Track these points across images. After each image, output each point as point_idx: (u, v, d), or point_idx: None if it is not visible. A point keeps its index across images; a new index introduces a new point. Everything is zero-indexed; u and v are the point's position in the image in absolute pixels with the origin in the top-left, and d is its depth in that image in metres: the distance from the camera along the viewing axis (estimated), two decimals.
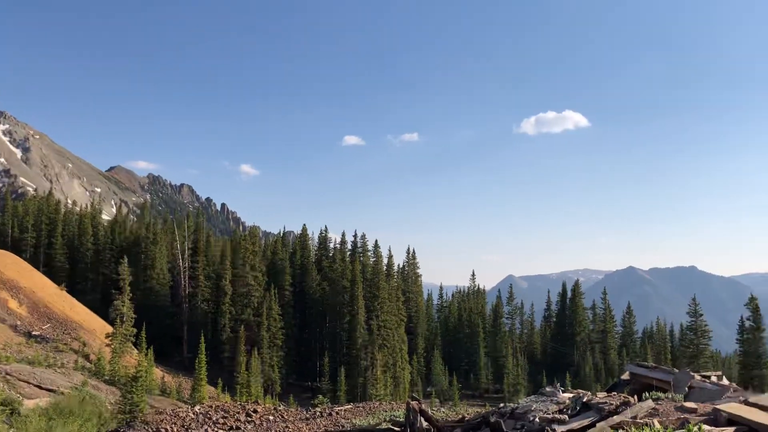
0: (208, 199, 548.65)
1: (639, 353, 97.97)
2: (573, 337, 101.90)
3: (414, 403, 15.31)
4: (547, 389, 16.09)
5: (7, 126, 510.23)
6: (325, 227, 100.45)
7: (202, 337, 54.00)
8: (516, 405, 15.34)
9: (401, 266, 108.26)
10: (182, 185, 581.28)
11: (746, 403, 14.49)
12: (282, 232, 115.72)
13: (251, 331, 74.48)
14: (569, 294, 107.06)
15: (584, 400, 14.14)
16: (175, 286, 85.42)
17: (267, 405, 38.90)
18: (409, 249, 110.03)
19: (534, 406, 14.50)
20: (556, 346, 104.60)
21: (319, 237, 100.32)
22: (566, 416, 13.50)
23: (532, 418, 13.47)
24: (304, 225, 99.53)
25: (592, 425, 12.95)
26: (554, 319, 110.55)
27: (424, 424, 14.97)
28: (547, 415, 13.44)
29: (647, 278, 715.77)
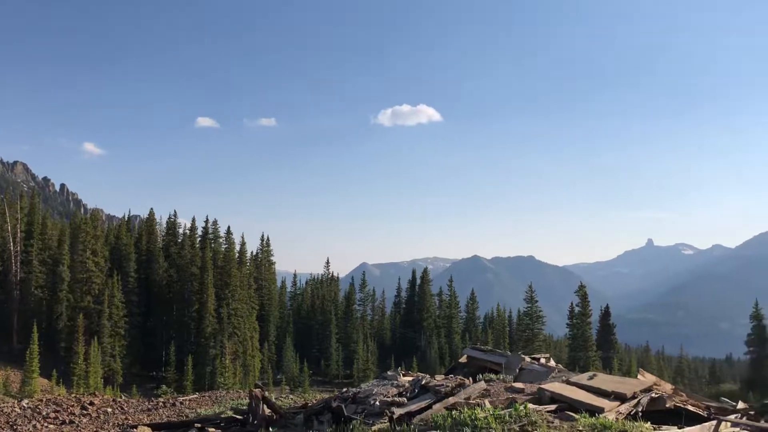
0: (46, 179, 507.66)
1: (481, 337, 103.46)
2: (421, 323, 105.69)
3: (257, 390, 15.23)
4: (389, 373, 16.65)
5: None
6: (174, 212, 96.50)
7: (35, 327, 50.31)
8: (358, 389, 15.71)
9: (254, 254, 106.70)
10: (15, 162, 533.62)
11: (568, 382, 15.81)
12: (127, 216, 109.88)
13: (91, 319, 70.26)
14: (418, 281, 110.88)
15: (423, 383, 14.77)
16: (4, 272, 78.53)
17: (105, 396, 36.96)
18: (263, 236, 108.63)
19: (375, 389, 14.94)
20: (404, 331, 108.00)
21: (167, 222, 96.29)
22: (405, 399, 14.03)
23: (372, 402, 13.86)
24: (152, 209, 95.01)
25: (429, 407, 13.55)
26: (404, 306, 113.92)
27: (267, 411, 14.95)
28: (387, 399, 13.89)
29: (490, 266, 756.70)
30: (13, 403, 30.89)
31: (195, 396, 36.12)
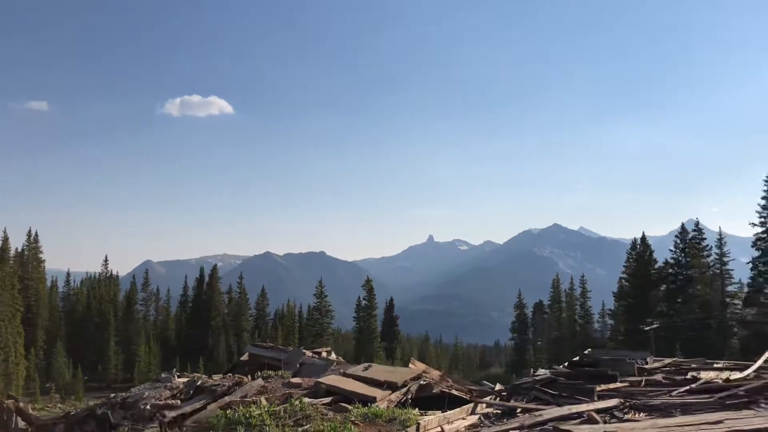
0: None
1: (270, 334, 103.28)
2: (209, 322, 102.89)
3: (10, 402, 13.77)
4: (163, 375, 15.93)
5: None
6: None
7: None
8: (128, 394, 14.85)
9: (20, 250, 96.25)
10: None
11: (344, 374, 16.32)
12: None
13: None
14: (207, 279, 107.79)
15: (198, 383, 14.36)
16: None
17: None
18: (30, 231, 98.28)
19: (147, 393, 14.22)
20: (191, 331, 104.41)
21: None
22: (179, 401, 13.52)
23: (143, 407, 13.18)
24: None
25: (204, 408, 13.21)
26: (191, 305, 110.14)
27: (22, 424, 13.57)
28: (159, 402, 13.30)
29: (282, 263, 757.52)
30: None
31: None
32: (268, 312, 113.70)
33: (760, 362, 16.12)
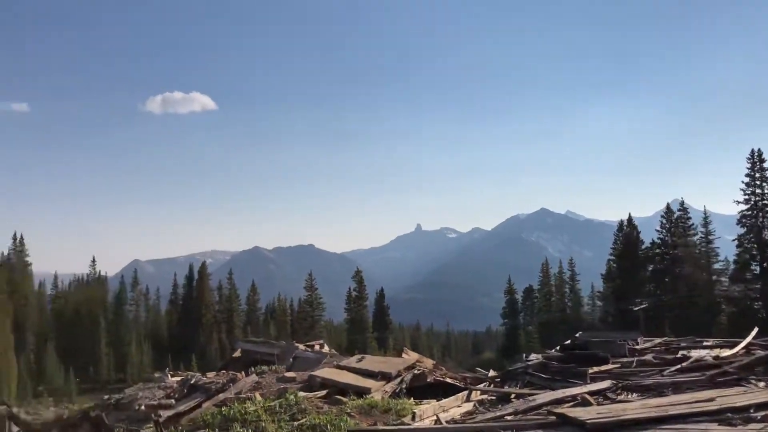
0: None
1: (263, 329, 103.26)
2: (200, 319, 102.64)
3: (2, 408, 13.71)
4: (156, 375, 15.91)
5: None
6: None
7: None
8: (122, 395, 14.81)
9: (6, 254, 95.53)
10: None
11: (338, 366, 16.35)
12: None
13: None
14: (196, 276, 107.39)
15: (192, 382, 14.34)
16: None
17: None
18: (15, 234, 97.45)
19: (141, 393, 14.20)
20: (182, 330, 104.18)
21: None
22: (173, 401, 13.51)
23: (137, 407, 13.17)
24: None
25: (199, 406, 13.21)
26: (181, 303, 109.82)
27: (15, 429, 13.52)
28: (153, 402, 13.28)
29: (271, 257, 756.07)
30: None
31: None
32: (259, 307, 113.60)
33: (748, 339, 16.33)
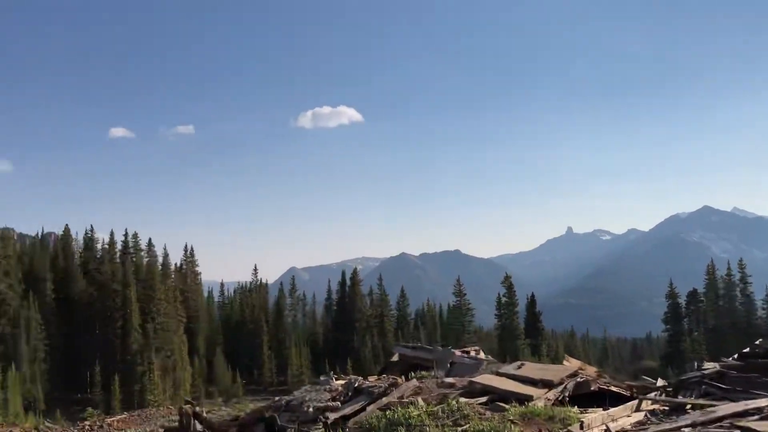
0: None
1: (413, 334, 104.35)
2: (353, 324, 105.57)
3: (187, 406, 14.92)
4: (322, 378, 16.60)
5: None
6: (91, 227, 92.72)
7: None
8: (291, 397, 15.60)
9: (179, 265, 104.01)
10: None
11: (497, 373, 16.21)
12: (41, 234, 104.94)
13: (7, 345, 66.98)
14: (348, 282, 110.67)
15: (356, 385, 14.82)
16: None
17: (26, 425, 35.30)
18: (186, 246, 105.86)
19: (308, 396, 14.88)
20: (337, 334, 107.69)
21: (84, 238, 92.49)
22: (339, 403, 14.03)
23: (306, 409, 13.81)
24: (67, 225, 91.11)
25: (363, 409, 13.61)
26: (335, 308, 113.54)
27: (199, 427, 14.65)
28: (321, 404, 13.87)
29: (418, 263, 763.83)
30: None
31: (123, 416, 34.94)
32: (408, 312, 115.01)
33: None
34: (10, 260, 76.16)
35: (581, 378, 15.17)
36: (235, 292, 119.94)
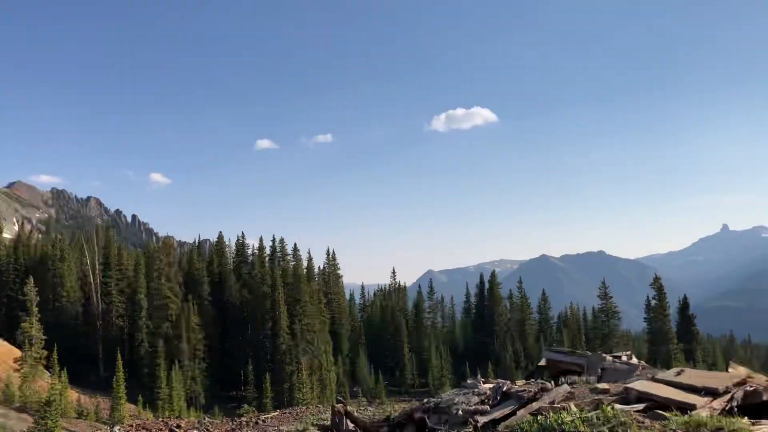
0: (118, 212, 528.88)
1: (556, 338, 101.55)
2: (492, 327, 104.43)
3: (339, 405, 15.38)
4: (469, 381, 16.52)
5: None
6: (242, 234, 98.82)
7: (119, 354, 52.11)
8: (439, 399, 15.65)
9: (322, 268, 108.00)
10: (89, 198, 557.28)
11: (653, 379, 15.35)
12: (197, 241, 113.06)
13: (171, 344, 72.46)
14: (486, 285, 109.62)
15: (504, 389, 14.60)
16: (87, 304, 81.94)
17: (190, 419, 38.07)
18: (328, 251, 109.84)
19: (457, 399, 14.84)
20: (476, 337, 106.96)
21: (236, 244, 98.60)
22: (488, 407, 13.89)
23: (455, 411, 13.79)
24: (220, 233, 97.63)
25: (513, 413, 13.39)
26: (474, 311, 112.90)
27: (350, 425, 15.06)
28: (470, 407, 13.79)
29: (559, 265, 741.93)
30: (106, 429, 32.07)
31: (276, 413, 36.74)
32: (551, 316, 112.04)
33: None
34: (171, 266, 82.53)
35: (751, 387, 14.03)
36: (375, 294, 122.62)
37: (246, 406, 60.70)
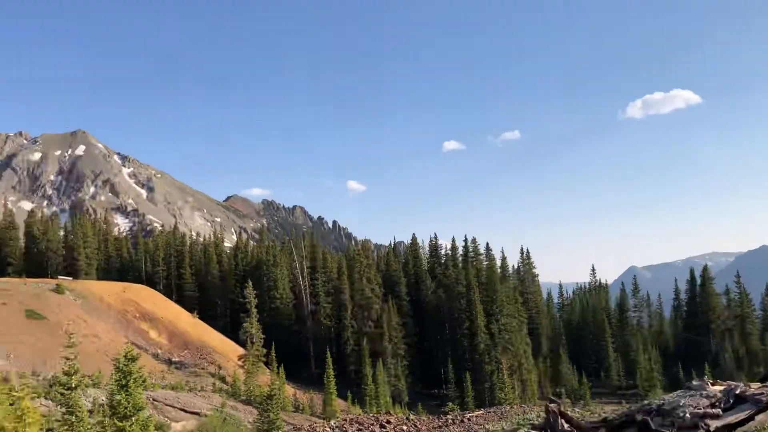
0: (320, 218, 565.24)
1: None
2: (707, 326, 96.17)
3: (553, 405, 15.02)
4: (695, 383, 15.28)
5: (132, 169, 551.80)
6: (435, 234, 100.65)
7: (328, 352, 55.24)
8: (662, 401, 14.66)
9: (516, 267, 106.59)
10: (295, 207, 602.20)
11: None
12: (393, 243, 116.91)
13: (374, 342, 75.56)
14: (698, 280, 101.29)
15: (737, 392, 13.34)
16: (297, 305, 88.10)
17: (399, 415, 39.35)
18: (522, 249, 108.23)
19: (682, 401, 13.80)
20: (689, 336, 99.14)
21: (429, 245, 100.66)
22: (719, 410, 12.78)
23: (682, 414, 12.83)
24: (414, 234, 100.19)
25: (751, 418, 12.20)
26: (685, 309, 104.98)
27: (565, 426, 14.62)
28: (698, 410, 12.77)
29: None
30: (323, 423, 34.18)
31: (480, 412, 36.84)
32: None
33: None
34: (370, 268, 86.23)
35: None
36: (573, 293, 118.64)
37: (451, 404, 61.49)
